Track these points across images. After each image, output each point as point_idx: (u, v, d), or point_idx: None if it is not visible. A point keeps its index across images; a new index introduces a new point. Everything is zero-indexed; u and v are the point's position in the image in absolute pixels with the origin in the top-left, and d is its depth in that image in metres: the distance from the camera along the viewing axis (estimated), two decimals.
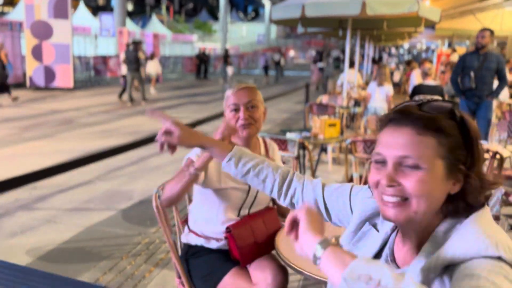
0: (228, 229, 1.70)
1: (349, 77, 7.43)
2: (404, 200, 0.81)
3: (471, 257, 0.74)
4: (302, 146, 3.28)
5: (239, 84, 1.79)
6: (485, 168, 3.18)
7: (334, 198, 1.14)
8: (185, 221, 1.92)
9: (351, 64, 8.56)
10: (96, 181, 4.78)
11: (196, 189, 1.79)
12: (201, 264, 1.76)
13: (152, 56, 14.27)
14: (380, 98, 5.90)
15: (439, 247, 0.80)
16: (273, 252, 1.81)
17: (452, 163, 0.81)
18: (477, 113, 5.16)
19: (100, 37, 21.43)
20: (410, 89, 7.44)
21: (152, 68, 13.91)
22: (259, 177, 1.17)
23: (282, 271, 1.70)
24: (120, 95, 11.45)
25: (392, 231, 0.96)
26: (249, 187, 1.78)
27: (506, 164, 3.73)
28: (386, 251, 0.94)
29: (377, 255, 0.96)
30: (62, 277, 1.32)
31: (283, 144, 3.08)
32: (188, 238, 1.84)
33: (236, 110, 1.73)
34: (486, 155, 2.95)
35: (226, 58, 18.14)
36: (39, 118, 8.47)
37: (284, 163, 3.31)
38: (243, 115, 1.71)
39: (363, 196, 1.06)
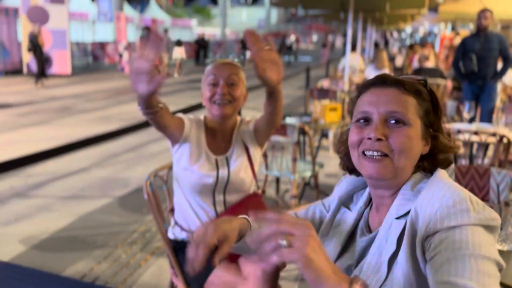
0: None
1: (351, 62, 7.27)
2: (386, 155, 0.85)
3: (448, 225, 0.74)
4: (302, 131, 3.18)
5: (222, 59, 1.65)
6: (491, 152, 3.08)
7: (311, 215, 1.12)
8: (171, 211, 1.82)
9: (353, 48, 8.38)
10: (92, 168, 4.70)
11: (175, 172, 1.67)
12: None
13: (179, 43, 14.44)
14: None
15: (409, 197, 0.85)
16: None
17: (426, 125, 0.89)
18: (480, 96, 5.00)
19: (98, 22, 21.13)
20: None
21: (178, 53, 14.31)
22: None
23: None
24: None
25: (366, 206, 0.98)
26: (217, 172, 1.63)
27: None
28: (361, 224, 0.96)
29: (353, 232, 0.97)
30: (46, 273, 1.28)
31: (282, 129, 2.98)
32: (174, 232, 1.74)
33: (215, 84, 1.56)
34: (493, 139, 2.85)
35: (244, 42, 18.04)
36: (36, 104, 8.35)
37: (283, 148, 3.23)
38: (221, 90, 1.54)
39: (337, 188, 1.08)
